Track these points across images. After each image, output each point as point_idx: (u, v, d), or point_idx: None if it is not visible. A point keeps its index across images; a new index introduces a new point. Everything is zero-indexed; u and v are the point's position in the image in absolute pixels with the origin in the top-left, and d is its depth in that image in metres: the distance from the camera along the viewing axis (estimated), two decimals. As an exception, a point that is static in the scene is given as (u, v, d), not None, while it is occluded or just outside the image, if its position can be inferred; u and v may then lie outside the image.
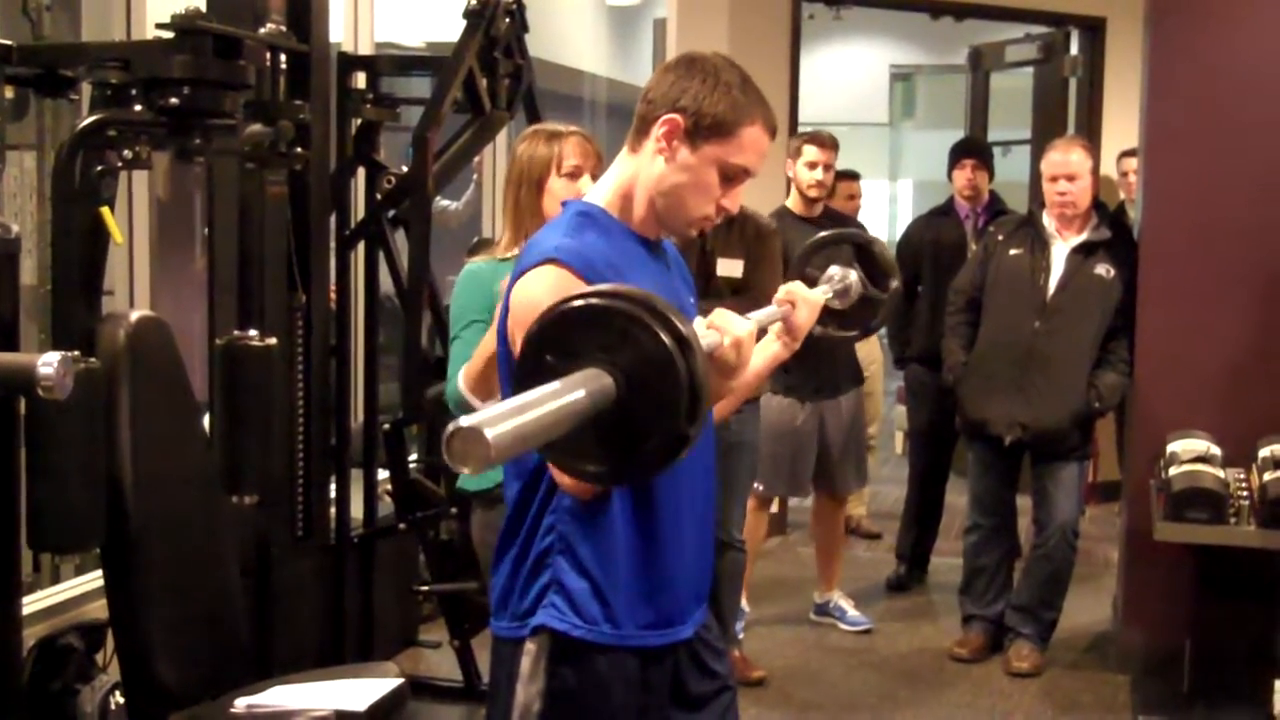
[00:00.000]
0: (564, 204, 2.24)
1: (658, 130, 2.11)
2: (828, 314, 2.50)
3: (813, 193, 5.14)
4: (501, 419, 1.45)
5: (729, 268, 4.40)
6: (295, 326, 3.83)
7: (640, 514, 2.11)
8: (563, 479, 2.02)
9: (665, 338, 1.66)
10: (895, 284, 2.66)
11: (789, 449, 5.03)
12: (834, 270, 2.58)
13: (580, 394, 1.59)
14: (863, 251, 2.65)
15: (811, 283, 2.51)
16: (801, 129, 5.92)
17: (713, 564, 2.31)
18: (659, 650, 2.16)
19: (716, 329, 1.91)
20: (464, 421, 1.41)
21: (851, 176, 6.47)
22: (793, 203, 5.22)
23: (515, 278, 2.10)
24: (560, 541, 2.10)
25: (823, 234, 2.81)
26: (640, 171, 2.15)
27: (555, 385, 1.59)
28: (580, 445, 1.69)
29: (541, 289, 2.02)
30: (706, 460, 2.27)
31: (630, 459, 1.72)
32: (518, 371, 1.74)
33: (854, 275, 2.57)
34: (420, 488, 4.25)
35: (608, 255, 2.08)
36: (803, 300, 2.32)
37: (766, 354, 2.35)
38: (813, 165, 5.11)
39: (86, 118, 2.89)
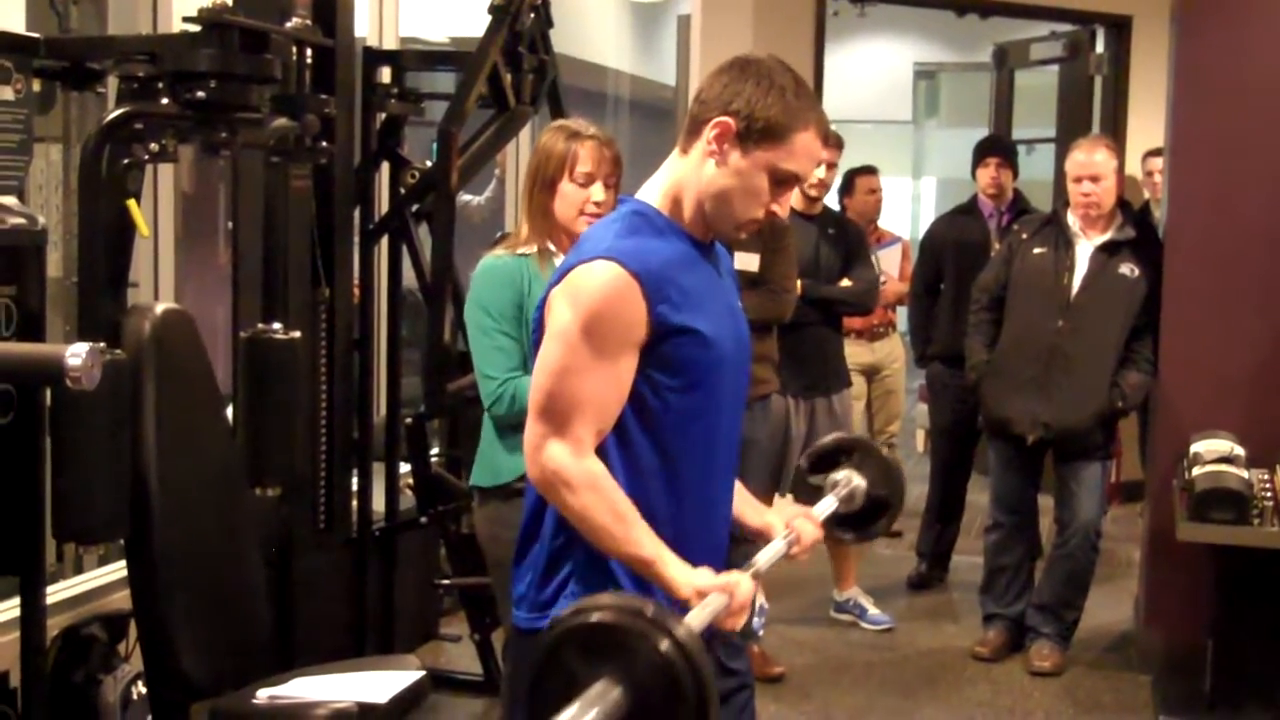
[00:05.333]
0: (620, 200, 2.24)
1: (709, 132, 2.09)
2: (835, 518, 2.51)
3: (813, 191, 5.12)
4: None
5: (745, 261, 4.42)
6: (318, 320, 3.85)
7: (664, 509, 2.11)
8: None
9: (665, 645, 1.70)
10: (865, 445, 2.65)
11: (779, 445, 4.99)
12: (839, 475, 2.57)
13: (592, 714, 1.64)
14: (866, 456, 2.61)
15: (816, 489, 2.55)
16: (826, 126, 5.91)
17: (724, 562, 2.31)
18: None
19: (727, 592, 2.00)
20: None
21: (870, 171, 6.47)
22: (794, 199, 5.20)
23: (564, 272, 2.09)
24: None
25: (825, 441, 2.75)
26: (690, 173, 2.13)
27: (572, 710, 1.64)
28: None
29: (597, 282, 2.03)
30: (731, 457, 2.27)
31: None
32: (532, 693, 1.79)
33: (856, 479, 2.56)
34: (441, 481, 4.26)
35: (663, 257, 2.08)
36: (807, 534, 2.34)
37: (777, 548, 2.36)
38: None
39: (113, 111, 2.90)
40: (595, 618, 1.74)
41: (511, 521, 2.66)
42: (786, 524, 2.33)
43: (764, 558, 2.19)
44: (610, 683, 1.69)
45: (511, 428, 3.11)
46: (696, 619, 1.91)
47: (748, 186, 2.10)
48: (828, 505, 2.47)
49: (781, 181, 2.11)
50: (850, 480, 2.55)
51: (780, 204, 2.14)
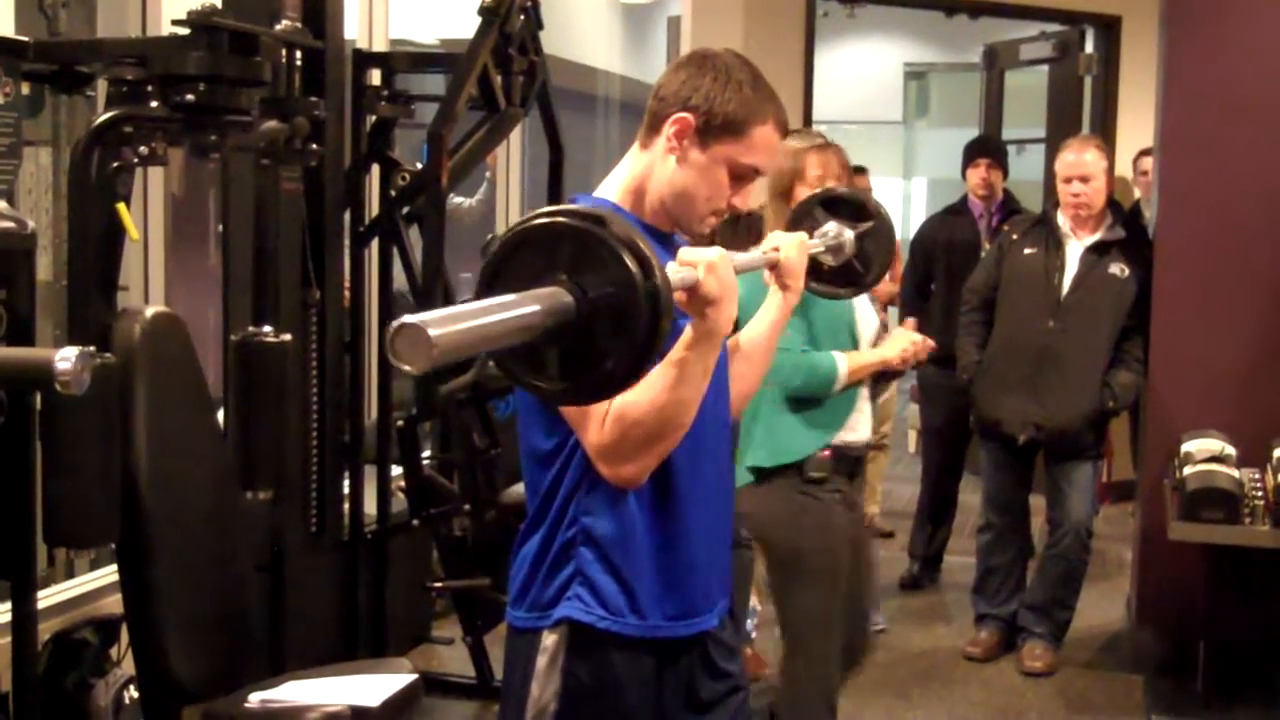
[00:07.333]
0: (573, 199, 2.23)
1: (669, 129, 2.10)
2: (823, 273, 2.51)
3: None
4: (448, 320, 1.43)
5: None
6: (310, 323, 3.84)
7: (660, 504, 2.10)
8: (616, 472, 1.99)
9: (629, 261, 1.65)
10: (877, 213, 2.64)
11: None
12: (827, 227, 2.58)
13: (535, 308, 1.59)
14: (832, 204, 2.63)
15: None
16: (816, 127, 5.92)
17: (730, 557, 2.30)
18: (680, 642, 2.15)
19: (687, 263, 1.88)
20: (408, 318, 1.39)
21: (860, 172, 6.47)
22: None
23: None
24: (584, 533, 2.09)
25: (807, 198, 2.76)
26: (652, 168, 2.14)
27: (510, 297, 1.59)
28: (538, 361, 1.69)
29: None
30: (723, 449, 2.25)
31: (588, 379, 1.70)
32: (479, 291, 1.71)
33: (847, 232, 2.56)
34: (434, 484, 4.25)
35: None
36: (787, 243, 2.32)
37: (774, 304, 2.37)
38: None
39: (103, 114, 2.89)
40: (562, 222, 1.69)
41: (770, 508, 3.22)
42: (767, 242, 2.32)
43: (740, 255, 2.08)
44: (560, 289, 1.64)
45: (798, 401, 3.49)
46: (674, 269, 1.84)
47: (708, 181, 2.11)
48: (812, 244, 2.45)
49: (741, 175, 2.12)
50: (841, 234, 2.55)
51: (741, 197, 2.15)
